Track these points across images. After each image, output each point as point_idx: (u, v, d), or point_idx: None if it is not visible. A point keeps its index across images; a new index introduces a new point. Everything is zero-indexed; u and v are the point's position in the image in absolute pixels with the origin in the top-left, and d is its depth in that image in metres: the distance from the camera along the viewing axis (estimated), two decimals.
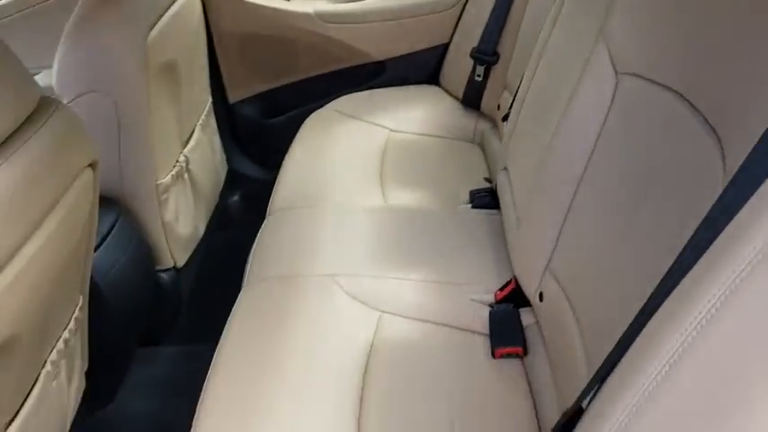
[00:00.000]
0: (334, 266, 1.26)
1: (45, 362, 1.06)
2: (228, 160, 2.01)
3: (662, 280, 0.61)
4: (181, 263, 1.59)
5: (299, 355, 1.09)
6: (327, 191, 1.52)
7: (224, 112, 2.03)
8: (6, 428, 0.96)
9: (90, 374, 1.32)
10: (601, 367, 0.66)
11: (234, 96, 2.05)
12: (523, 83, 1.36)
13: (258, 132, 2.10)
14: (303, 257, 1.29)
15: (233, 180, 2.05)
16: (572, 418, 0.75)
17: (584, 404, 0.70)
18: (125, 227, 1.40)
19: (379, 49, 1.94)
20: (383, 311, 1.19)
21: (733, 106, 0.68)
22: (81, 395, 1.27)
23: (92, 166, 1.02)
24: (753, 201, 0.51)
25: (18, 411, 0.98)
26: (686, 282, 0.55)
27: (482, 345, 1.15)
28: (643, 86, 0.89)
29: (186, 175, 1.61)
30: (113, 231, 1.36)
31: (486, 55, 1.73)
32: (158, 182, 1.46)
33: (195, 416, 1.01)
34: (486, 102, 1.79)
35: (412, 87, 1.95)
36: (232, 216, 2.11)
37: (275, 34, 1.93)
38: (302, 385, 1.04)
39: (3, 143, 0.79)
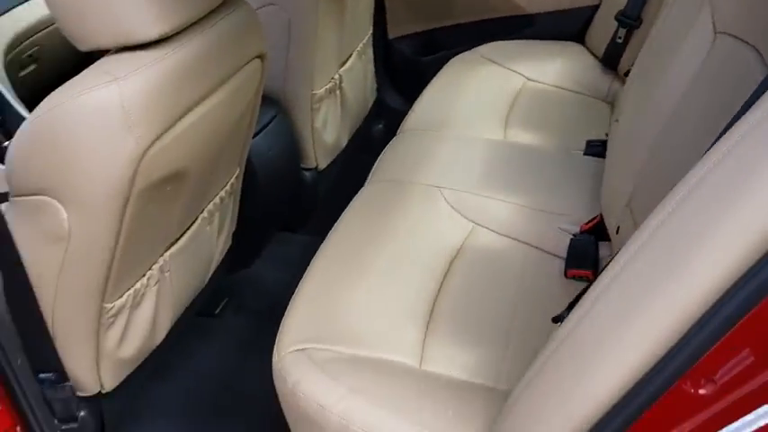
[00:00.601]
0: (442, 179, 1.45)
1: (203, 209, 1.35)
2: (379, 90, 2.23)
3: None
4: (322, 166, 1.85)
5: (393, 245, 1.30)
6: (454, 120, 1.70)
7: (382, 45, 2.25)
8: (168, 249, 1.26)
9: (235, 237, 1.62)
10: None
11: (393, 32, 2.26)
12: (645, 42, 1.46)
13: (410, 68, 2.30)
14: (417, 168, 1.49)
15: (380, 109, 2.27)
16: None
17: None
18: (281, 124, 1.67)
19: (531, 2, 2.07)
20: (476, 224, 1.37)
21: None
22: (226, 250, 1.56)
23: (261, 58, 1.27)
24: None
25: (178, 239, 1.28)
26: None
27: (557, 266, 1.29)
28: (734, 45, 0.98)
29: (338, 92, 1.85)
30: (271, 125, 1.63)
31: (630, 18, 1.81)
32: (314, 92, 1.71)
33: (301, 280, 1.24)
34: (624, 64, 1.87)
35: (557, 43, 2.06)
36: (374, 142, 2.34)
37: None
38: (391, 269, 1.25)
39: (198, 21, 1.05)
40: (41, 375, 1.11)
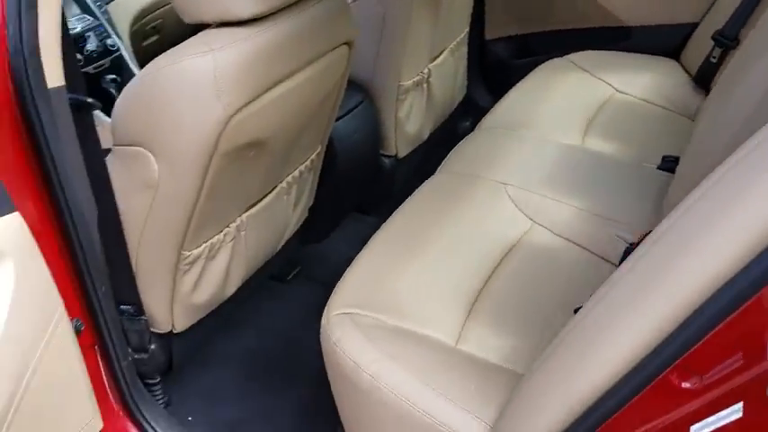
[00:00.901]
0: (509, 177, 1.50)
1: (283, 180, 1.47)
2: (469, 88, 2.29)
3: None
4: (402, 154, 1.93)
5: (452, 232, 1.36)
6: (533, 122, 1.74)
7: (477, 45, 2.31)
8: (246, 211, 1.39)
9: (312, 212, 1.73)
10: None
11: (490, 33, 2.31)
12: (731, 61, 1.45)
13: (503, 70, 2.34)
14: (486, 164, 1.55)
15: (469, 107, 2.33)
16: None
17: None
18: (366, 110, 1.77)
19: (630, 14, 2.06)
20: (535, 222, 1.41)
21: None
22: (301, 222, 1.68)
23: (348, 45, 1.37)
24: None
25: (256, 203, 1.41)
26: None
27: (608, 271, 1.30)
28: None
29: (425, 86, 1.93)
30: (356, 110, 1.74)
31: (727, 39, 1.78)
32: (401, 83, 1.80)
33: (361, 251, 1.33)
34: (716, 83, 1.84)
35: (651, 57, 2.05)
36: (458, 138, 2.39)
37: None
38: (445, 253, 1.32)
39: (292, 5, 1.15)
40: (122, 307, 1.26)
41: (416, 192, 1.49)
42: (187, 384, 1.54)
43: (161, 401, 1.41)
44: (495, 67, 2.36)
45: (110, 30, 2.18)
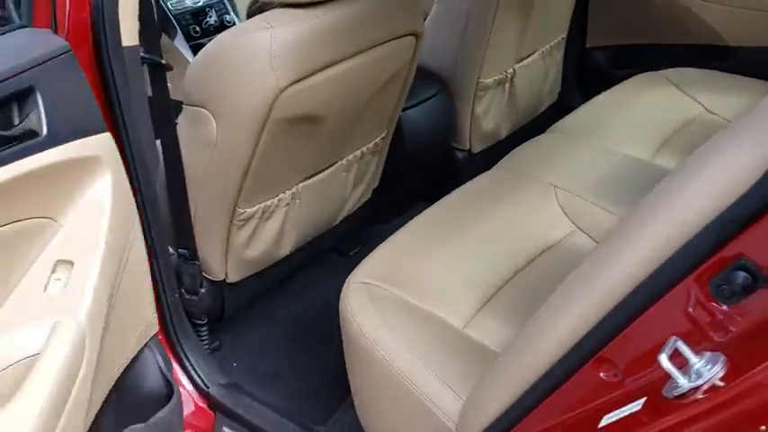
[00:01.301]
0: (561, 180, 1.51)
1: (343, 158, 1.57)
2: (564, 94, 2.29)
3: None
4: (476, 149, 1.98)
5: (490, 224, 1.40)
6: (605, 131, 1.73)
7: (578, 52, 2.30)
8: (302, 181, 1.50)
9: (377, 194, 1.82)
10: None
11: (591, 41, 2.29)
12: None
13: (601, 79, 2.31)
14: (542, 165, 1.57)
15: (561, 112, 2.31)
16: None
17: None
18: (440, 102, 1.83)
19: (733, 33, 1.98)
20: (578, 227, 1.42)
21: None
22: (363, 202, 1.77)
23: (415, 36, 1.44)
24: None
25: (313, 176, 1.51)
26: None
27: None
28: None
29: (507, 85, 1.96)
30: (430, 101, 1.80)
31: None
32: (480, 80, 1.84)
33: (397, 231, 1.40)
34: None
35: (750, 80, 1.95)
36: None
37: None
38: (478, 243, 1.35)
39: None
40: (180, 250, 1.41)
41: (468, 183, 1.54)
42: (235, 336, 1.68)
43: (206, 345, 1.56)
44: (594, 76, 2.34)
45: (229, 7, 2.38)
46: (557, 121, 2.33)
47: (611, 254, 0.68)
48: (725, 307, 0.58)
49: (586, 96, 2.35)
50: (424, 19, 1.83)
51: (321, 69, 1.26)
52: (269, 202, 1.44)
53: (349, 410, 1.32)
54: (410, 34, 1.43)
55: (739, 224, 0.56)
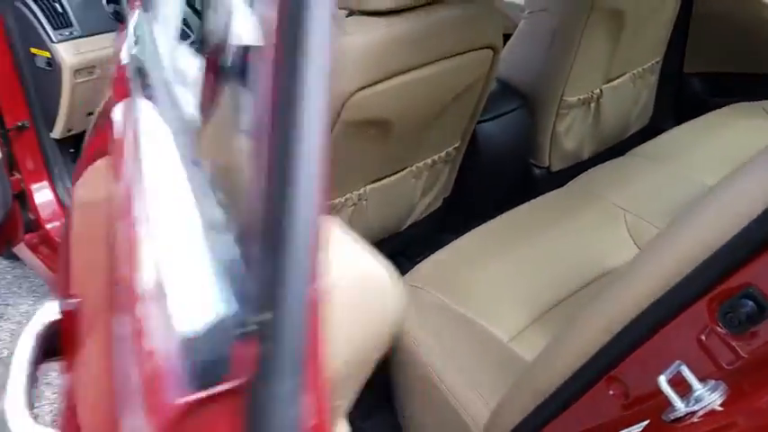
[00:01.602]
0: (632, 204, 1.48)
1: (413, 164, 1.60)
2: (657, 118, 2.22)
3: None
4: (555, 167, 1.96)
5: (553, 242, 1.40)
6: (685, 158, 1.68)
7: (674, 77, 2.22)
8: (369, 184, 1.54)
9: (449, 203, 1.84)
10: None
11: (689, 67, 2.21)
12: None
13: (697, 106, 2.23)
14: (615, 187, 1.54)
15: (652, 136, 2.26)
16: None
17: None
18: (520, 117, 1.83)
19: None
20: None
21: None
22: (432, 210, 1.79)
23: (493, 49, 1.46)
24: None
25: (380, 179, 1.56)
26: None
27: None
28: None
29: (593, 105, 1.93)
30: (509, 114, 1.81)
31: None
32: (564, 98, 1.83)
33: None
34: None
35: None
36: None
37: (749, 20, 2.01)
38: (538, 260, 1.36)
39: (432, 3, 1.28)
40: None
41: (538, 198, 1.54)
42: None
43: None
44: (689, 102, 2.26)
45: None
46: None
47: (625, 278, 0.68)
48: (731, 336, 0.57)
49: (679, 123, 2.29)
50: (510, 34, 1.84)
51: (393, 76, 1.30)
52: (336, 201, 1.49)
53: (389, 407, 1.35)
54: (487, 47, 1.44)
55: (747, 252, 0.55)
